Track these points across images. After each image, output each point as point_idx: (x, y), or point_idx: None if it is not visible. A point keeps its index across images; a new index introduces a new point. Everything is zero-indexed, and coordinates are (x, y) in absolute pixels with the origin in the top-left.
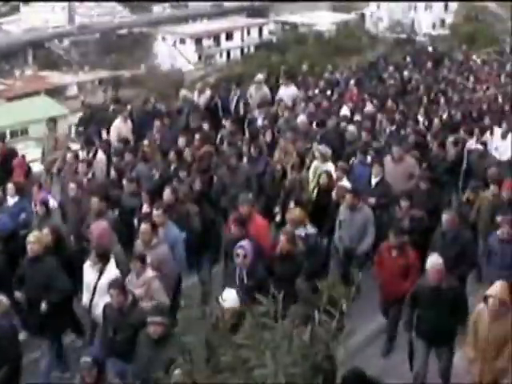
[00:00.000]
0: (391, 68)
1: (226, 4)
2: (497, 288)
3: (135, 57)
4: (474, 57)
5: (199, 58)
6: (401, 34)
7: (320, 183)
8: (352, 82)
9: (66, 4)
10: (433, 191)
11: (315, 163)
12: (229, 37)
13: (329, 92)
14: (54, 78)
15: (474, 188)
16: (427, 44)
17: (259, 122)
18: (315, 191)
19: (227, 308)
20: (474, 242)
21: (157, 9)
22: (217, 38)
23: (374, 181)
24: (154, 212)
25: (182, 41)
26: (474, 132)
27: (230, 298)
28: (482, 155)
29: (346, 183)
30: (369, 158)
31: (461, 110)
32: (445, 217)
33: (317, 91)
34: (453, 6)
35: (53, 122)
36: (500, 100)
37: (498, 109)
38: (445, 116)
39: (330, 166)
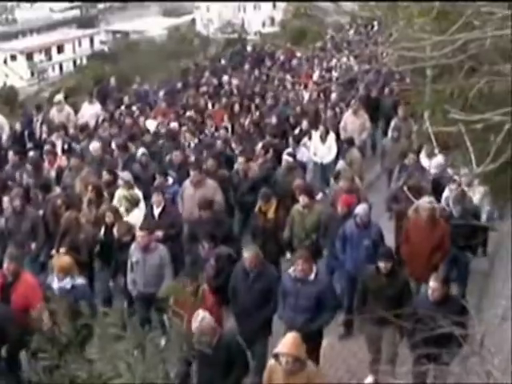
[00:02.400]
0: (206, 73)
1: (55, 16)
2: (288, 343)
3: None
4: (298, 54)
5: (32, 73)
6: (232, 35)
7: (106, 220)
8: (161, 93)
9: None
10: (219, 219)
11: (119, 192)
12: (60, 50)
13: (134, 107)
14: None
15: (265, 196)
16: (258, 42)
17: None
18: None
19: None
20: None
21: None
22: (48, 52)
23: (156, 211)
24: None
25: (13, 57)
26: (288, 139)
27: None
28: (290, 167)
29: (136, 217)
30: (170, 180)
31: (275, 114)
32: (245, 255)
33: (123, 107)
34: (281, 3)
35: None
36: (321, 97)
37: (314, 110)
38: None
39: (135, 194)
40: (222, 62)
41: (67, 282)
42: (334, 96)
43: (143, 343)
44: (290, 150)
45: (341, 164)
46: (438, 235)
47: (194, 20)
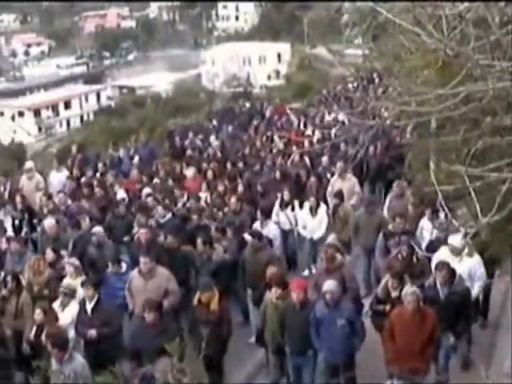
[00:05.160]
0: (191, 134)
1: (62, 73)
2: None
3: None
4: (289, 111)
5: (39, 129)
6: (237, 88)
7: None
8: (135, 160)
9: None
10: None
11: (66, 281)
12: (67, 105)
13: (109, 175)
14: None
15: (206, 285)
16: (263, 96)
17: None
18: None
19: None
20: None
21: None
22: (55, 108)
23: (89, 306)
24: None
25: (21, 113)
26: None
27: None
28: (257, 247)
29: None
30: (124, 267)
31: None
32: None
33: (98, 174)
34: (286, 57)
35: None
36: (307, 162)
37: (296, 177)
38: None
39: (71, 285)
40: (213, 122)
41: None
42: (324, 159)
43: None
44: (257, 225)
45: (330, 238)
46: (427, 328)
47: (199, 74)
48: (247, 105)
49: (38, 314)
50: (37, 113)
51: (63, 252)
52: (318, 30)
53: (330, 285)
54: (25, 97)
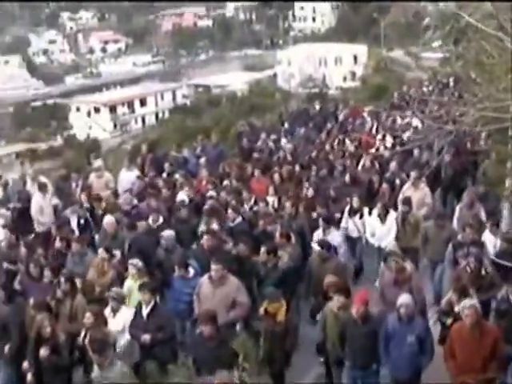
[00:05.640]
0: (263, 136)
1: (138, 70)
2: None
3: (51, 128)
4: (365, 114)
5: (115, 125)
6: (313, 89)
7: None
8: (202, 161)
9: None
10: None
11: (128, 282)
12: (143, 103)
13: (177, 175)
14: None
15: (273, 296)
16: (339, 97)
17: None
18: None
19: None
20: None
21: (69, 79)
22: (131, 105)
23: (145, 311)
24: None
25: (97, 109)
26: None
27: None
28: (324, 257)
29: (125, 318)
30: (191, 272)
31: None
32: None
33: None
34: (362, 58)
35: None
36: (377, 166)
37: (368, 183)
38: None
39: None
40: (285, 125)
41: None
42: (393, 164)
43: None
44: (319, 232)
45: (391, 244)
46: (488, 343)
47: (275, 75)
48: (317, 107)
49: (88, 318)
50: (112, 109)
51: (116, 252)
52: (395, 33)
53: (405, 299)
54: (101, 93)
